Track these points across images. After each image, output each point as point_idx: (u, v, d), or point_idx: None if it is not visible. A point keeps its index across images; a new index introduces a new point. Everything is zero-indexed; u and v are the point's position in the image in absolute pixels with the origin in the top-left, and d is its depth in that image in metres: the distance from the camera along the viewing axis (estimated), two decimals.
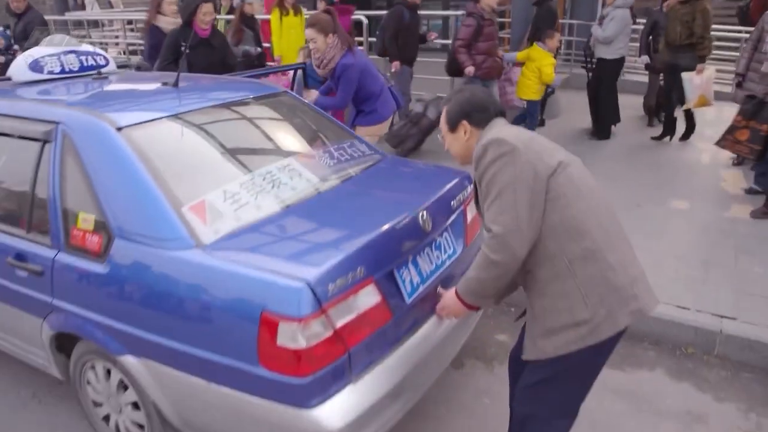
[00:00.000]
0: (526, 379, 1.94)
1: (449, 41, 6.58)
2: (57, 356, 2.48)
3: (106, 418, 2.49)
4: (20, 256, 2.35)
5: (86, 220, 2.18)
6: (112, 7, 15.13)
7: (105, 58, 3.30)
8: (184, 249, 1.97)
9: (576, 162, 1.84)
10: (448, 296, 2.00)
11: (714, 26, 8.38)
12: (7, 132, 2.50)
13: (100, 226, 2.14)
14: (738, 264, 3.83)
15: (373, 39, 6.81)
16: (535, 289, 1.79)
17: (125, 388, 2.30)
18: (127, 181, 2.12)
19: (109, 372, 2.33)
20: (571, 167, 1.78)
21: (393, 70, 6.24)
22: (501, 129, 1.86)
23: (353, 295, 1.90)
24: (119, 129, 2.23)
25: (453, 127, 1.97)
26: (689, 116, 6.37)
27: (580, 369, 1.84)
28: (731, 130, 4.66)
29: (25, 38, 6.51)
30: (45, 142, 2.35)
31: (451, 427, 2.68)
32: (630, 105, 7.60)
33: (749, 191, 4.95)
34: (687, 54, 5.82)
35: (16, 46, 7.26)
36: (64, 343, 2.44)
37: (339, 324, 1.85)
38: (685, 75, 5.82)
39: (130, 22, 11.92)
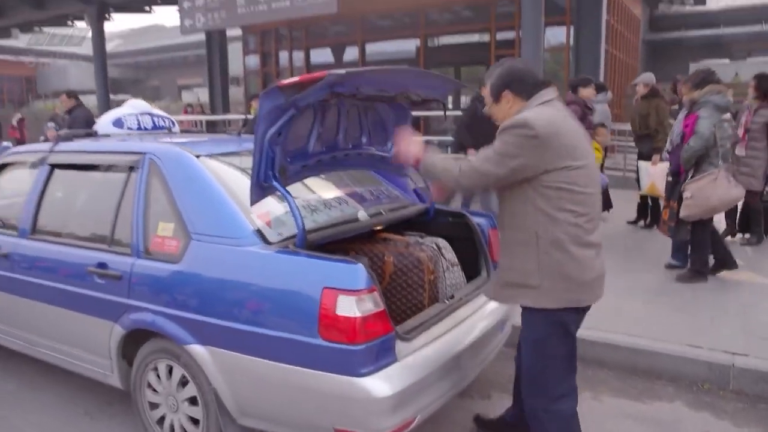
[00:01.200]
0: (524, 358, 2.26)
1: None
2: (120, 362, 2.73)
3: (160, 422, 2.68)
4: (101, 265, 2.69)
5: (166, 228, 2.55)
6: None
7: (172, 121, 3.84)
8: (253, 245, 2.31)
9: (588, 168, 2.07)
10: (415, 147, 2.25)
11: None
12: (98, 164, 2.96)
13: (179, 232, 2.50)
14: (745, 315, 4.05)
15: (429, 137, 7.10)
16: (505, 246, 2.17)
17: (184, 384, 2.54)
18: (206, 194, 2.51)
19: (170, 371, 2.57)
20: (578, 171, 2.01)
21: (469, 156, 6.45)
22: (541, 110, 2.03)
23: None
24: (198, 156, 2.67)
25: (496, 98, 2.17)
26: (644, 204, 6.76)
27: (536, 328, 2.15)
28: (662, 212, 5.03)
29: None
30: (131, 169, 2.78)
31: None
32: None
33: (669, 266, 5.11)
34: (646, 144, 6.48)
35: None
36: (127, 350, 2.71)
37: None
38: (642, 164, 6.40)
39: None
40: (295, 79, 2.10)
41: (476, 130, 6.12)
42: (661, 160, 5.97)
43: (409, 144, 2.27)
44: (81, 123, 6.86)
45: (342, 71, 2.08)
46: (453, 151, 6.38)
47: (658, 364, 3.52)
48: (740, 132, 5.62)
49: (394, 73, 2.54)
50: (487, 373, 3.43)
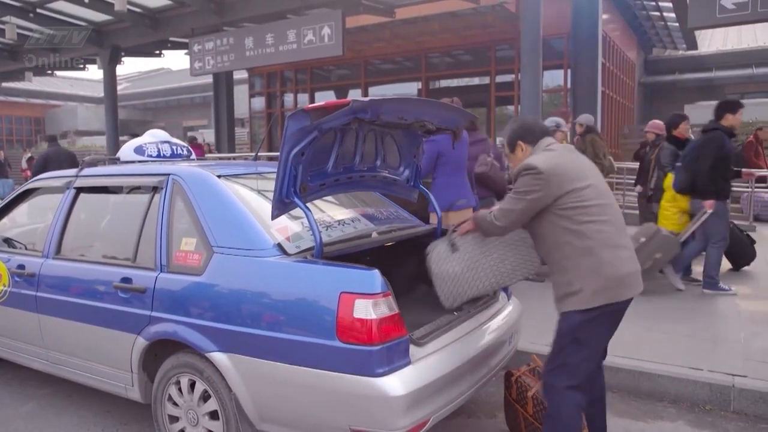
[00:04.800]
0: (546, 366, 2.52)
1: None
2: (141, 375, 2.83)
3: None
4: (126, 280, 2.82)
5: (188, 243, 2.70)
6: None
7: (189, 150, 4.03)
8: (273, 256, 2.46)
9: (594, 186, 2.42)
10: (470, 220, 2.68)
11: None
12: (123, 186, 3.13)
13: (201, 246, 2.64)
14: (744, 340, 4.14)
15: None
16: (551, 266, 2.48)
17: (205, 399, 2.64)
18: (228, 210, 2.67)
19: (192, 385, 2.67)
20: (587, 189, 2.39)
21: (708, 210, 5.17)
22: (540, 153, 2.48)
23: None
24: (219, 176, 2.84)
25: (512, 149, 2.63)
26: None
27: (580, 340, 2.40)
28: None
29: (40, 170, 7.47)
30: (155, 190, 2.94)
31: None
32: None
33: None
34: None
35: None
36: (147, 364, 2.81)
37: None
38: None
39: None
40: (321, 103, 2.29)
41: (720, 172, 5.15)
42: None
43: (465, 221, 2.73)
44: (39, 160, 7.72)
45: (366, 99, 2.28)
46: (680, 184, 5.37)
47: (660, 386, 3.60)
48: None
49: (412, 103, 2.75)
50: (492, 394, 3.51)
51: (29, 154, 18.07)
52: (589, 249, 2.33)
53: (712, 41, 19.82)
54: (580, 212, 2.36)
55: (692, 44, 18.38)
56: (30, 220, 3.87)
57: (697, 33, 16.73)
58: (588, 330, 2.39)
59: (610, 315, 2.41)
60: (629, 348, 3.96)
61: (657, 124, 7.04)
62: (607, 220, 2.39)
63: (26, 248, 3.54)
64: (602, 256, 2.33)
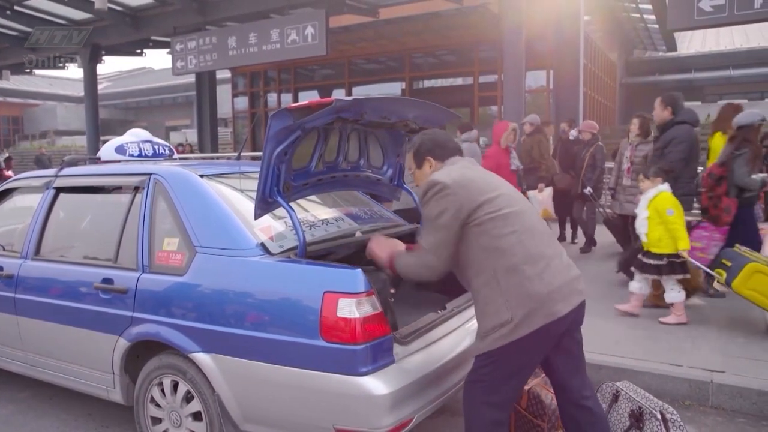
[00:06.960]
0: (469, 375, 2.26)
1: None
2: (123, 377, 2.80)
3: None
4: (107, 281, 2.79)
5: (171, 243, 2.68)
6: None
7: (172, 149, 4.00)
8: (257, 256, 2.45)
9: (506, 194, 2.19)
10: (386, 253, 2.39)
11: None
12: (104, 185, 3.10)
13: (184, 246, 2.62)
14: (722, 336, 4.22)
15: None
16: (475, 298, 2.20)
17: (188, 400, 2.62)
18: (210, 209, 2.66)
19: (175, 386, 2.65)
20: (500, 198, 2.14)
21: None
22: (446, 169, 2.26)
23: None
24: (201, 176, 2.82)
25: (420, 164, 2.38)
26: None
27: (504, 363, 2.13)
28: None
29: None
30: (136, 189, 2.92)
31: None
32: None
33: None
34: (532, 176, 7.12)
35: None
36: (129, 366, 2.79)
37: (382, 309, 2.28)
38: (530, 193, 6.91)
39: None
40: (305, 103, 2.28)
41: None
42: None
43: (382, 249, 2.43)
44: None
45: (349, 98, 2.28)
46: None
47: (641, 382, 3.64)
48: (626, 165, 6.14)
49: (396, 102, 2.76)
50: None
51: (7, 154, 17.78)
52: (513, 267, 2.05)
53: (691, 43, 20.14)
54: (497, 224, 2.09)
55: (672, 46, 18.66)
56: (8, 220, 3.80)
57: (676, 35, 16.98)
58: (515, 358, 2.11)
59: (544, 337, 2.09)
60: (610, 345, 4.01)
61: (591, 125, 7.42)
62: (525, 228, 2.12)
63: (4, 249, 3.49)
64: (526, 272, 2.05)
